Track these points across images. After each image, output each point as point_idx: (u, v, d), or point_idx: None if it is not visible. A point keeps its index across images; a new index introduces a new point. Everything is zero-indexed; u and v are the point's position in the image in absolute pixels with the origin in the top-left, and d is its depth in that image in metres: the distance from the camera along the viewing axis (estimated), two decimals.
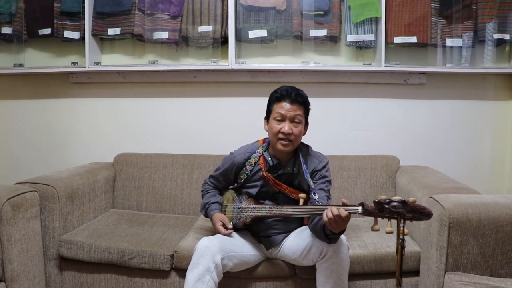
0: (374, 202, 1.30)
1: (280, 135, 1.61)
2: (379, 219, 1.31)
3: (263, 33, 2.36)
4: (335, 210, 1.34)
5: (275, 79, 2.42)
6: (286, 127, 1.60)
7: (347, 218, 1.35)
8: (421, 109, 2.48)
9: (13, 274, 1.61)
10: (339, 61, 2.46)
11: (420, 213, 1.25)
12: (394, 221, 1.28)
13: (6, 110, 2.66)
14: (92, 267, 1.84)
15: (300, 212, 1.57)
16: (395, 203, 1.27)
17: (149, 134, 2.58)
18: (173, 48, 2.50)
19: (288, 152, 1.65)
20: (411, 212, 1.25)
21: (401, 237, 1.24)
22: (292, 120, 1.61)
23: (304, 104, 1.64)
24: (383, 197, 1.29)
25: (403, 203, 1.26)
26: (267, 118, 1.70)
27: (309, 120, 1.72)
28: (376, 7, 2.30)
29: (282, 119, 1.61)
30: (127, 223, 2.08)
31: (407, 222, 1.26)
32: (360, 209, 1.33)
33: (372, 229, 1.31)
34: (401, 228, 1.24)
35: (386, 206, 1.27)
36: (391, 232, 1.28)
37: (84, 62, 2.44)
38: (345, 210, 1.34)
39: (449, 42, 2.33)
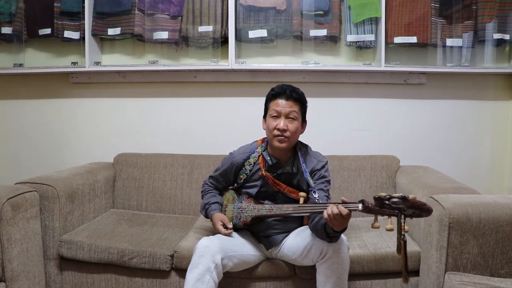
0: (375, 198, 1.30)
1: (276, 132, 1.61)
2: (379, 217, 1.31)
3: (263, 33, 2.36)
4: (335, 208, 1.35)
5: (275, 79, 2.42)
6: (281, 123, 1.60)
7: (348, 216, 1.35)
8: (421, 109, 2.48)
9: (13, 274, 1.61)
10: (339, 61, 2.46)
11: (420, 209, 1.25)
12: (394, 219, 1.28)
13: (6, 110, 2.66)
14: (92, 267, 1.84)
15: (300, 211, 1.58)
16: (396, 199, 1.27)
17: (149, 134, 2.58)
18: (173, 48, 2.49)
19: (285, 149, 1.65)
20: (411, 208, 1.25)
21: (402, 232, 1.23)
22: (287, 116, 1.61)
23: (299, 101, 1.65)
24: (383, 194, 1.29)
25: (404, 199, 1.26)
26: (264, 117, 1.71)
27: (309, 120, 1.72)
28: (376, 7, 2.30)
29: (278, 115, 1.62)
30: (127, 223, 2.08)
31: (407, 221, 1.26)
32: (360, 206, 1.33)
33: (373, 227, 1.31)
34: (402, 224, 1.24)
35: (387, 202, 1.27)
36: (391, 229, 1.28)
37: (84, 62, 2.44)
38: (345, 207, 1.34)
39: (449, 42, 2.33)
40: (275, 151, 1.68)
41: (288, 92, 1.63)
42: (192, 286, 1.48)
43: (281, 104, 1.62)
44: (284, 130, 1.60)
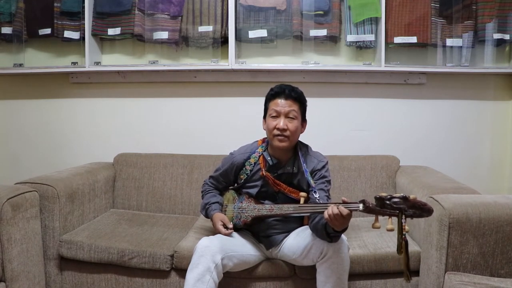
0: (376, 198, 1.30)
1: (276, 131, 1.61)
2: (379, 217, 1.31)
3: (263, 33, 2.36)
4: (335, 209, 1.35)
5: (275, 79, 2.42)
6: (281, 122, 1.60)
7: (349, 216, 1.35)
8: (421, 109, 2.48)
9: (13, 274, 1.61)
10: (339, 61, 2.46)
11: (421, 210, 1.25)
12: (395, 219, 1.28)
13: (6, 110, 2.66)
14: (92, 267, 1.84)
15: (301, 211, 1.58)
16: (396, 199, 1.27)
17: (149, 134, 2.58)
18: (173, 48, 2.49)
19: (285, 148, 1.65)
20: (412, 208, 1.25)
21: (403, 232, 1.24)
22: (286, 116, 1.62)
23: (299, 100, 1.65)
24: (384, 194, 1.29)
25: (404, 199, 1.26)
26: (264, 117, 1.71)
27: (309, 120, 1.72)
28: (376, 7, 2.30)
29: (277, 115, 1.63)
30: (127, 223, 2.08)
31: (408, 221, 1.26)
32: (361, 206, 1.33)
33: (373, 227, 1.31)
34: (403, 223, 1.24)
35: (388, 202, 1.27)
36: (392, 230, 1.28)
37: (84, 62, 2.44)
38: (346, 208, 1.34)
39: (449, 42, 2.33)
40: (276, 151, 1.68)
41: (287, 92, 1.63)
42: (192, 286, 1.48)
43: (280, 104, 1.63)
44: (284, 130, 1.60)
